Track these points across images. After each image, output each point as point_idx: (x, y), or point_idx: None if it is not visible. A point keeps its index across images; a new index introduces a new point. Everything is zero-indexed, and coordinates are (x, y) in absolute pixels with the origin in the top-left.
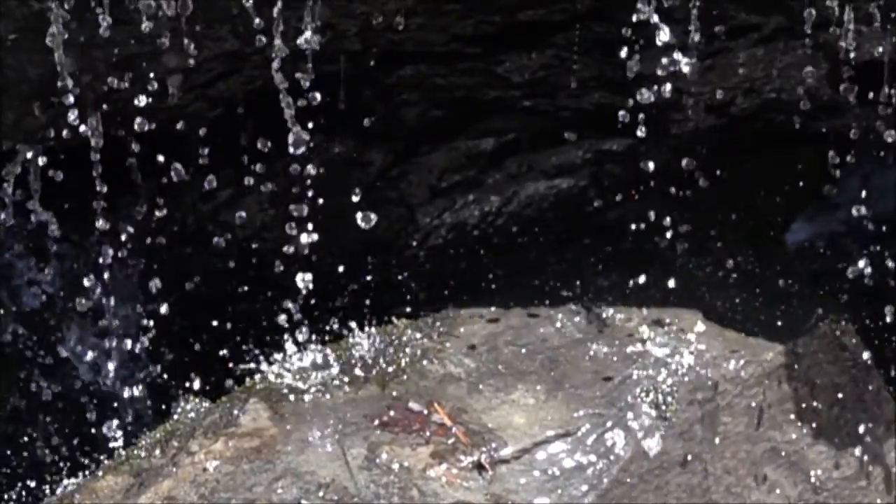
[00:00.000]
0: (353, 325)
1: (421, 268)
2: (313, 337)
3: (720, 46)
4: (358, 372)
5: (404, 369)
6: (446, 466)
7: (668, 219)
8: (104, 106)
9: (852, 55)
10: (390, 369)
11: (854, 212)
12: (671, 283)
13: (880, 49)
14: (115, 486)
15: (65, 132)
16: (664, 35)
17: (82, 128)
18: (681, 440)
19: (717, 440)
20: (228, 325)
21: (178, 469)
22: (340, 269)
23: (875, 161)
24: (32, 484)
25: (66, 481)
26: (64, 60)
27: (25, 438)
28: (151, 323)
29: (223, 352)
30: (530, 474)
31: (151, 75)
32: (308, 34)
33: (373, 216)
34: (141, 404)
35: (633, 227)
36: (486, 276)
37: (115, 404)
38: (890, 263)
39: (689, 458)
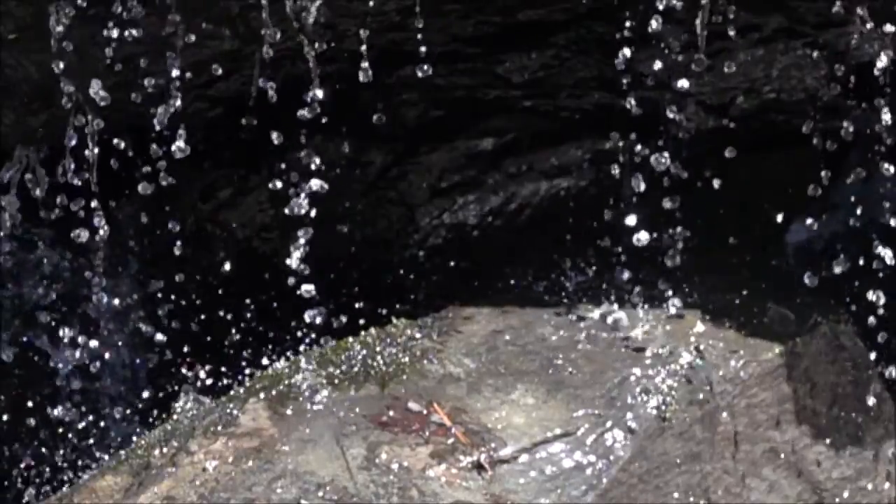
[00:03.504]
0: (352, 325)
1: (421, 268)
2: (313, 337)
3: (720, 46)
4: (357, 372)
5: (404, 369)
6: (446, 466)
7: (667, 219)
8: (103, 106)
9: (852, 55)
10: (390, 369)
11: (853, 212)
12: (671, 283)
13: (880, 49)
14: (114, 486)
15: (64, 132)
16: (664, 35)
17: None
18: (680, 440)
19: (716, 440)
20: (228, 326)
21: (177, 469)
22: (340, 268)
23: (874, 161)
24: (32, 484)
25: (65, 481)
26: (64, 60)
27: (24, 438)
28: (150, 322)
29: (222, 351)
30: (530, 474)
31: (151, 75)
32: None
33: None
34: (140, 404)
35: (633, 227)
36: (485, 277)
37: (115, 404)
38: (889, 263)
39: (689, 458)
